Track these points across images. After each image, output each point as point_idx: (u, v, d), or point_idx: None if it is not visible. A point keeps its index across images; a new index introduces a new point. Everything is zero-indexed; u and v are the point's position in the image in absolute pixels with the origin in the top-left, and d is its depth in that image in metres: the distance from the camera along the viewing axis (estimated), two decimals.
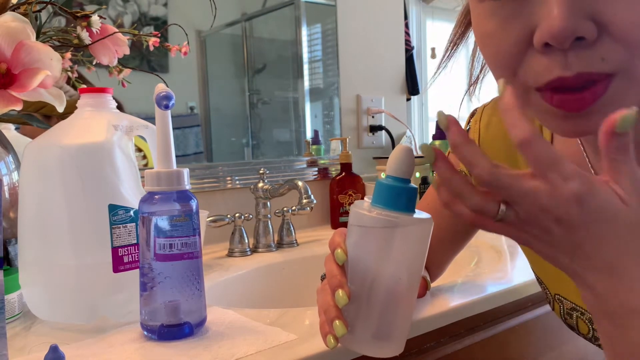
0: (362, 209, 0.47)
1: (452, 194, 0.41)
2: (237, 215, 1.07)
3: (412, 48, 1.78)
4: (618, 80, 0.41)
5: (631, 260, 0.39)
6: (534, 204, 0.39)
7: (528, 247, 0.42)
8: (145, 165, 1.12)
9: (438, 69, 0.62)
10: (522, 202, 0.39)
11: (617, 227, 0.38)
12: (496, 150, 0.66)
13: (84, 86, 0.85)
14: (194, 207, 0.62)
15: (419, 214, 0.48)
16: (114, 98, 0.71)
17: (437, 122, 1.42)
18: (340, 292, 0.47)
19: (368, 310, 0.48)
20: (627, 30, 0.39)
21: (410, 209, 0.47)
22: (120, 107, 0.66)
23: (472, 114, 0.70)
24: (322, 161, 1.46)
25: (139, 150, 1.10)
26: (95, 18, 0.75)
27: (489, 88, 0.58)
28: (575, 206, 0.38)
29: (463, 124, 0.72)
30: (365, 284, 0.48)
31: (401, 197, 0.46)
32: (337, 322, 0.48)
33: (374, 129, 1.60)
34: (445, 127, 0.40)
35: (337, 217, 1.38)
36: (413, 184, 0.47)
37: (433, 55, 2.02)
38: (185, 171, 0.62)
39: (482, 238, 1.09)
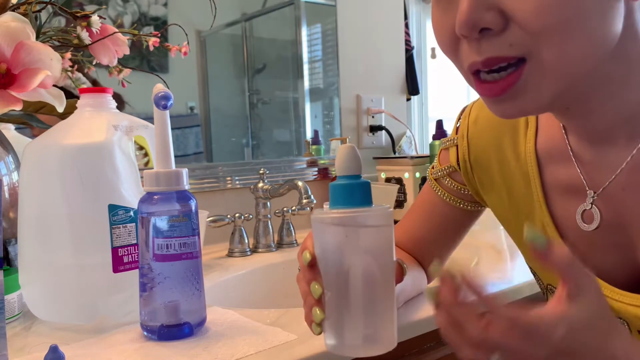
0: (321, 214, 0.49)
1: (450, 322, 0.44)
2: (237, 215, 1.07)
3: (412, 48, 1.78)
4: (530, 66, 0.45)
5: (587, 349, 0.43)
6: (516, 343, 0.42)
7: None
8: (147, 163, 1.11)
9: None
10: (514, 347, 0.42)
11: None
12: (484, 142, 0.68)
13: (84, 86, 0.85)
14: (193, 207, 0.62)
15: (377, 205, 0.49)
16: (116, 93, 0.70)
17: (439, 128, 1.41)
18: (314, 284, 0.50)
19: (350, 312, 0.48)
20: (529, 18, 0.43)
21: (366, 202, 0.48)
22: (121, 101, 0.66)
23: (462, 111, 0.72)
24: (322, 161, 1.46)
25: (141, 148, 1.10)
26: (95, 18, 0.75)
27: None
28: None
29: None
30: (340, 285, 0.49)
31: (354, 192, 0.48)
32: (315, 309, 0.50)
33: (374, 129, 1.60)
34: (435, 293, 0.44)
35: None
36: (364, 179, 0.48)
37: (433, 55, 2.01)
38: (184, 171, 0.62)
39: (482, 238, 1.09)
